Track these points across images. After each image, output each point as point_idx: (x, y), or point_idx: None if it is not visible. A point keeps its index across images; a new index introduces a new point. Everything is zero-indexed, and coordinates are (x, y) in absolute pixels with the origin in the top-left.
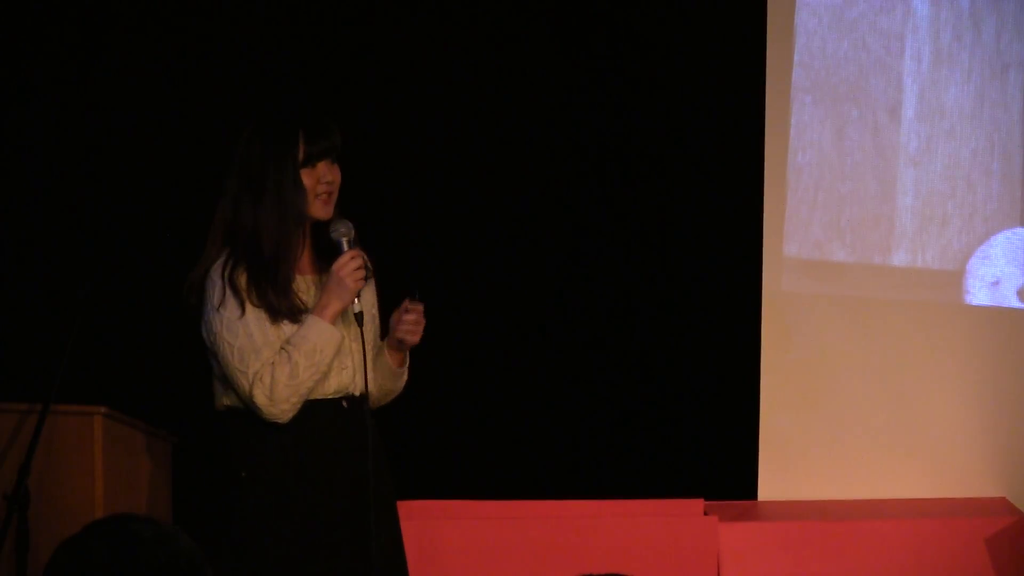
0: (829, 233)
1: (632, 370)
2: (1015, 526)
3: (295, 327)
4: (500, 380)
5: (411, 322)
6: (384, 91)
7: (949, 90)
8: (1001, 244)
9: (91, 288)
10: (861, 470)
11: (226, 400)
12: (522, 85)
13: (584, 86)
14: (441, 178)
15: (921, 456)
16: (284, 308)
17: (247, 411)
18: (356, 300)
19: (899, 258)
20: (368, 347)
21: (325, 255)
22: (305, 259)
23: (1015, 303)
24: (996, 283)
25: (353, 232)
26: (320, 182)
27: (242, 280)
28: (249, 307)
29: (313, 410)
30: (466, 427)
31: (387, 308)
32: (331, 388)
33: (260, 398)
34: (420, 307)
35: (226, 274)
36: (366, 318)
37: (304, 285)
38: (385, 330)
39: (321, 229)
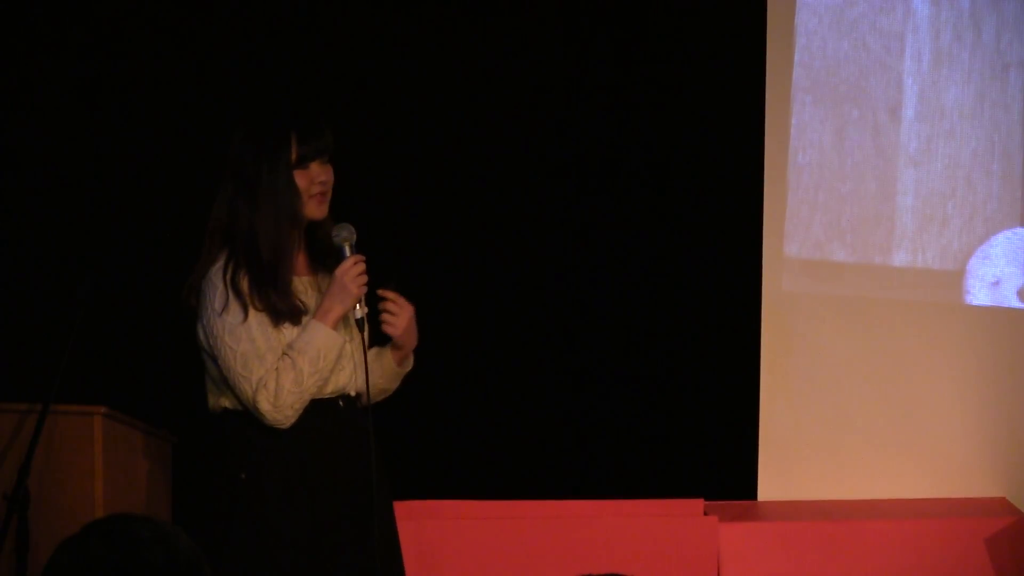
0: (829, 233)
1: (632, 370)
2: (1015, 526)
3: (296, 329)
4: (500, 380)
5: (387, 310)
6: (384, 91)
7: (949, 90)
8: (1001, 244)
9: (91, 288)
10: (861, 470)
11: (223, 402)
12: (522, 85)
13: (584, 86)
14: (440, 178)
15: (921, 456)
16: (286, 311)
17: (246, 413)
18: (358, 305)
19: (899, 258)
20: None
21: (320, 255)
22: (300, 260)
23: (1015, 303)
24: (996, 283)
25: (355, 236)
26: (314, 183)
27: (244, 284)
28: (252, 311)
29: (311, 410)
30: (466, 427)
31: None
32: (328, 389)
33: (264, 404)
34: (392, 295)
35: (227, 277)
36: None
37: (301, 287)
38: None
39: (315, 229)
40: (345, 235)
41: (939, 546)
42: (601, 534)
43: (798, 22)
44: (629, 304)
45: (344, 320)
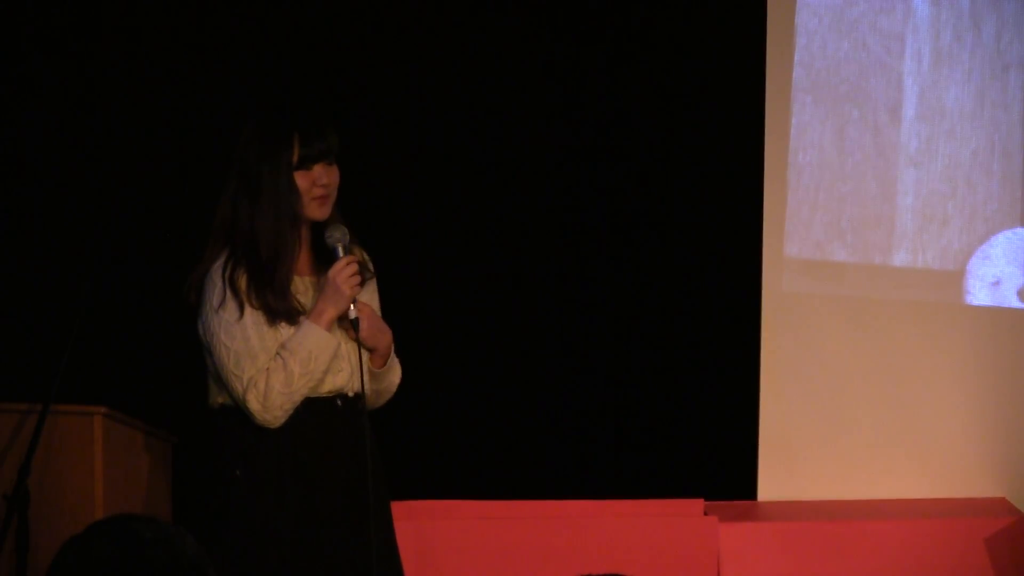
0: (829, 233)
1: (632, 370)
2: (1014, 526)
3: (292, 329)
4: (499, 380)
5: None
6: (384, 91)
7: (949, 90)
8: (1001, 244)
9: (91, 288)
10: (861, 470)
11: (220, 399)
12: (522, 85)
13: (584, 86)
14: (439, 178)
15: (921, 456)
16: (282, 310)
17: (240, 409)
18: (352, 306)
19: (899, 258)
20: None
21: (324, 256)
22: (304, 260)
23: (1015, 303)
24: (996, 283)
25: (348, 237)
26: (315, 184)
27: (242, 282)
28: (248, 310)
29: (308, 408)
30: (465, 427)
31: (386, 309)
32: (326, 388)
33: (253, 404)
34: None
35: (226, 275)
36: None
37: (302, 286)
38: (396, 338)
39: (320, 230)
40: (338, 236)
41: (939, 546)
42: (601, 534)
43: (798, 22)
44: (629, 304)
45: (340, 320)
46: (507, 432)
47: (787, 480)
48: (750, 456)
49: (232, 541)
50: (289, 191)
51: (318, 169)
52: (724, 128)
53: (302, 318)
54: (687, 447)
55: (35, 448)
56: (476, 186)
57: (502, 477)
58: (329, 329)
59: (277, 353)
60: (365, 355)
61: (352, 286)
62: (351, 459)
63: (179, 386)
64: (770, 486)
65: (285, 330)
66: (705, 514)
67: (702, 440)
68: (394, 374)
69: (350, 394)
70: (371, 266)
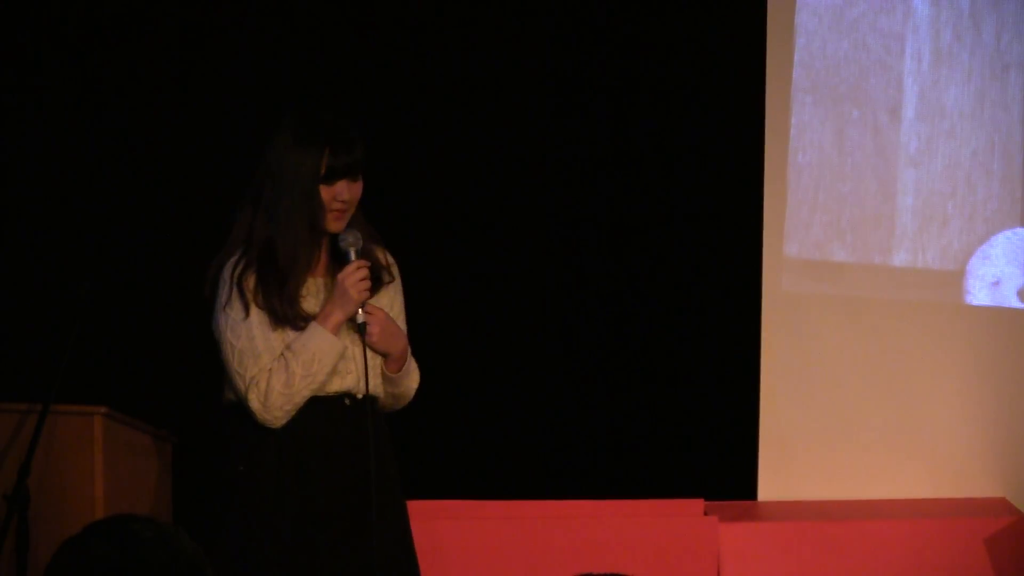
0: (829, 233)
1: (632, 370)
2: (1014, 526)
3: (297, 333)
4: (500, 380)
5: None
6: (383, 92)
7: (949, 90)
8: (1001, 244)
9: (91, 287)
10: (861, 470)
11: (230, 395)
12: (522, 85)
13: (584, 86)
14: (440, 178)
15: (921, 456)
16: (288, 315)
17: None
18: (360, 310)
19: (899, 258)
20: (371, 354)
21: (340, 258)
22: (320, 261)
23: (1015, 303)
24: (996, 283)
25: (361, 242)
26: (336, 199)
27: (250, 282)
28: (254, 309)
29: (315, 407)
30: (466, 427)
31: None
32: (333, 388)
33: (254, 403)
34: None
35: (235, 274)
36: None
37: (315, 287)
38: (411, 341)
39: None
40: (351, 240)
41: (939, 546)
42: (601, 534)
43: (798, 22)
44: (629, 304)
45: (349, 324)
46: (507, 432)
47: (787, 480)
48: (750, 456)
49: (233, 537)
50: (312, 203)
51: (341, 184)
52: (724, 128)
53: (308, 322)
54: (687, 447)
55: (35, 448)
56: (476, 187)
57: (502, 477)
58: (336, 332)
59: (281, 353)
60: (372, 359)
61: (361, 291)
62: (357, 458)
63: (179, 386)
64: (770, 486)
65: (291, 333)
66: (705, 514)
67: (702, 440)
68: (411, 379)
69: (359, 395)
70: (394, 270)
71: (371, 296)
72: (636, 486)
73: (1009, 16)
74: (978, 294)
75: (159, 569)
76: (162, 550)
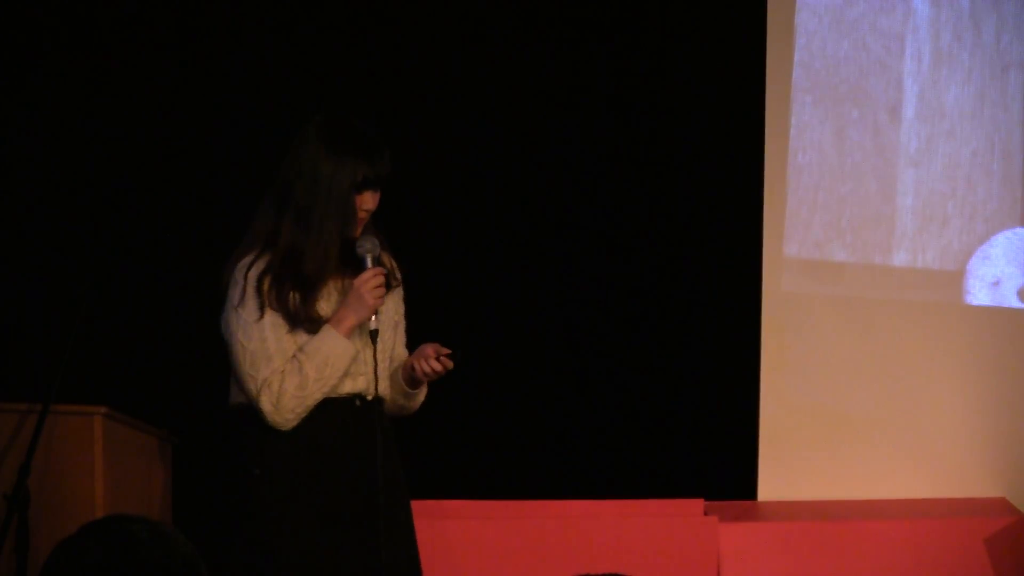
0: (829, 233)
1: (632, 370)
2: (1014, 526)
3: (308, 335)
4: (500, 380)
5: (435, 371)
6: (381, 90)
7: (949, 90)
8: (1001, 244)
9: (91, 288)
10: (861, 470)
11: (240, 398)
12: (522, 86)
13: (584, 86)
14: (440, 178)
15: (921, 456)
16: (302, 318)
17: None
18: (374, 317)
19: (899, 258)
20: (383, 356)
21: (350, 261)
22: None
23: (1015, 303)
24: (996, 283)
25: (378, 249)
26: (361, 208)
27: (265, 283)
28: (268, 311)
29: (327, 408)
30: (466, 427)
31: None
32: (346, 390)
33: (266, 405)
34: (450, 365)
35: (249, 275)
36: (388, 325)
37: (326, 291)
38: (410, 343)
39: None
40: (368, 247)
41: (939, 546)
42: (601, 534)
43: (798, 22)
44: (629, 304)
45: (361, 329)
46: (507, 432)
47: (787, 480)
48: (750, 456)
49: (250, 540)
50: (347, 212)
51: (367, 194)
52: (724, 128)
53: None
54: (687, 447)
55: (35, 448)
56: (477, 187)
57: (503, 477)
58: (348, 336)
59: (294, 356)
60: (382, 362)
61: (376, 298)
62: (365, 458)
63: (179, 386)
64: (770, 486)
65: (302, 335)
66: (705, 514)
67: (702, 440)
68: (422, 395)
69: (368, 396)
70: (398, 274)
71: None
72: (636, 486)
73: (1009, 16)
74: (978, 294)
75: (155, 569)
76: (158, 550)
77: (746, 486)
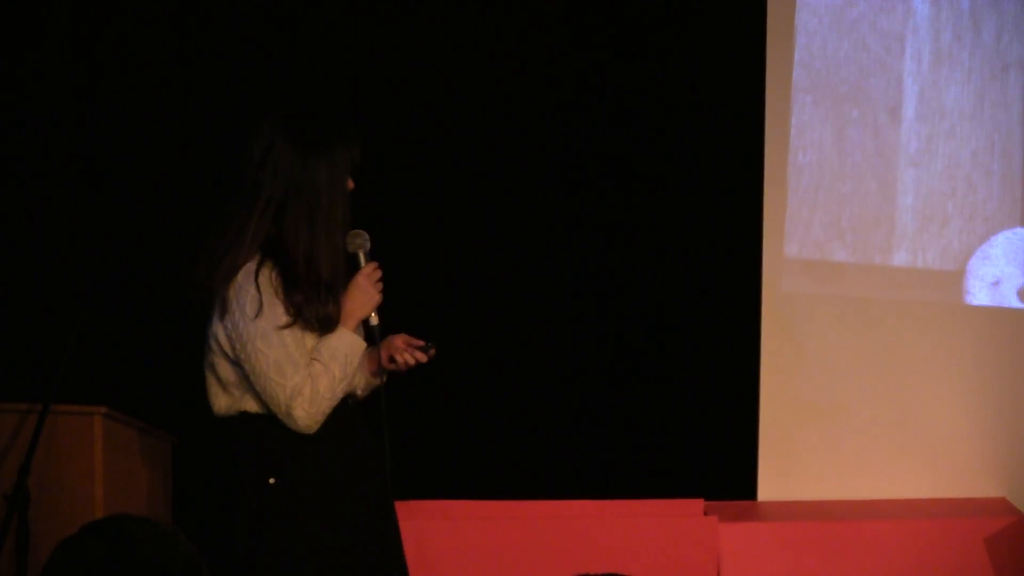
0: (829, 233)
1: (632, 370)
2: (1014, 526)
3: (314, 337)
4: (500, 380)
5: (418, 360)
6: (381, 93)
7: (949, 90)
8: (1001, 244)
9: (91, 288)
10: (861, 470)
11: (243, 405)
12: (522, 86)
13: (584, 87)
14: (440, 178)
15: (921, 456)
16: (322, 321)
17: (269, 416)
18: (374, 314)
19: (899, 258)
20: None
21: (349, 261)
22: None
23: (1015, 303)
24: (996, 283)
25: (368, 243)
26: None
27: (281, 290)
28: (287, 317)
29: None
30: (466, 427)
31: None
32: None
33: (299, 411)
34: (425, 358)
35: (261, 281)
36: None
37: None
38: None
39: None
40: (359, 242)
41: (939, 546)
42: (601, 534)
43: (798, 22)
44: (629, 304)
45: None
46: (507, 432)
47: (787, 480)
48: (750, 456)
49: (272, 549)
50: (347, 213)
51: (351, 182)
52: (724, 128)
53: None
54: (687, 447)
55: (35, 448)
56: (476, 187)
57: (502, 477)
58: (354, 332)
59: (313, 358)
60: (384, 358)
61: (380, 291)
62: (367, 457)
63: (179, 386)
64: (770, 486)
65: (311, 338)
66: (705, 514)
67: (702, 440)
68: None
69: (359, 394)
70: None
71: None
72: (636, 486)
73: (1009, 16)
74: (978, 294)
75: (156, 570)
76: (158, 550)
77: (746, 486)
